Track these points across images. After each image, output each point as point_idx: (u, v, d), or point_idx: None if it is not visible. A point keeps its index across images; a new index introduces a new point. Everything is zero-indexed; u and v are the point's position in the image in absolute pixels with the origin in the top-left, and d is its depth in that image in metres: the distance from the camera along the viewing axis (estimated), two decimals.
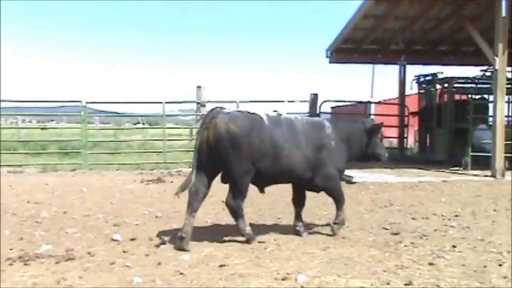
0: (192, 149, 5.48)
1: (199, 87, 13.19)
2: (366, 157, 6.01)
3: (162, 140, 14.36)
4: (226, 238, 5.36)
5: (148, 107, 60.25)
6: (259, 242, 5.20)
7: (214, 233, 5.60)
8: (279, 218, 6.64)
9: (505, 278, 4.06)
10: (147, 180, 10.34)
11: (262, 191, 5.56)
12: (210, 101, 13.78)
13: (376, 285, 3.91)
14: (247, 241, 5.15)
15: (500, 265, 4.42)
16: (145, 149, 15.74)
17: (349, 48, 16.45)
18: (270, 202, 7.78)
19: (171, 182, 10.25)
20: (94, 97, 66.10)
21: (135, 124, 31.48)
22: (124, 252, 4.80)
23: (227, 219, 5.97)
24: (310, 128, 5.49)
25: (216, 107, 5.23)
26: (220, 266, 4.36)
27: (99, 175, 11.57)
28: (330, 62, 16.67)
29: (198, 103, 13.11)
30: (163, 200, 7.86)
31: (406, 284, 3.91)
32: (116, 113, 24.60)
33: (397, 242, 5.29)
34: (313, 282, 3.95)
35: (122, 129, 24.72)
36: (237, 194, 5.09)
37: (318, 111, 14.57)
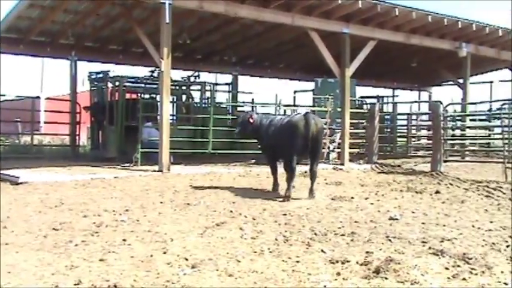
0: None
1: None
2: None
3: None
4: None
5: None
6: None
7: None
8: None
9: (168, 264, 4.38)
10: None
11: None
12: None
13: None
14: None
15: (164, 252, 4.74)
16: None
17: (14, 38, 15.15)
18: None
19: None
20: None
21: None
22: None
23: None
24: None
25: (307, 111, 8.48)
26: None
27: None
28: None
29: None
30: None
31: (76, 284, 3.83)
32: None
33: (67, 242, 5.13)
34: None
35: None
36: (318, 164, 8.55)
37: None
